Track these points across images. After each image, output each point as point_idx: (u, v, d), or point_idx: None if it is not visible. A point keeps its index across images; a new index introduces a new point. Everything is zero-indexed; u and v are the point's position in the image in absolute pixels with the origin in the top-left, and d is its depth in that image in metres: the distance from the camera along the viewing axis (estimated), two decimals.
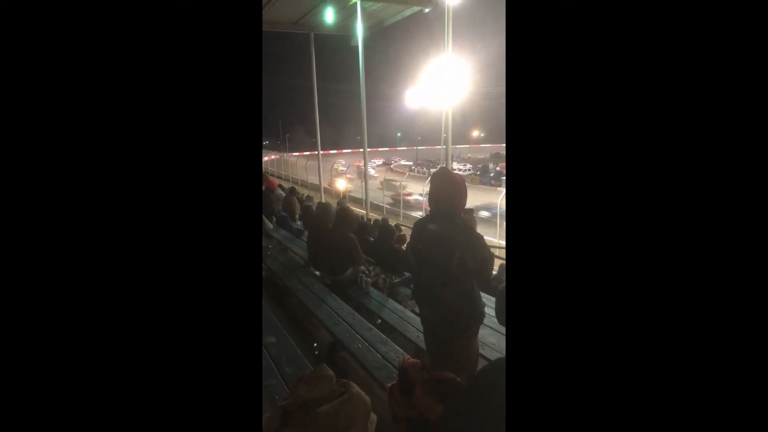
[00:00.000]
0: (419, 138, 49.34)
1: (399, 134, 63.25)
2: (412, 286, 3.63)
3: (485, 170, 29.09)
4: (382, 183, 19.27)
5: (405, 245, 4.52)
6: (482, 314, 1.97)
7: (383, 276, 3.76)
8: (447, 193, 1.88)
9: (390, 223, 5.27)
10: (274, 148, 46.71)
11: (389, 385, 1.38)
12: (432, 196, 1.93)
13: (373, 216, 8.81)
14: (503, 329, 2.63)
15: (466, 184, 1.97)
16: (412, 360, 1.48)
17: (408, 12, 8.01)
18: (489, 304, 2.34)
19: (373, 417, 1.20)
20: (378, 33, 9.19)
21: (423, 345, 2.51)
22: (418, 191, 16.14)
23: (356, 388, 1.19)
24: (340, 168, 23.51)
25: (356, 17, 7.80)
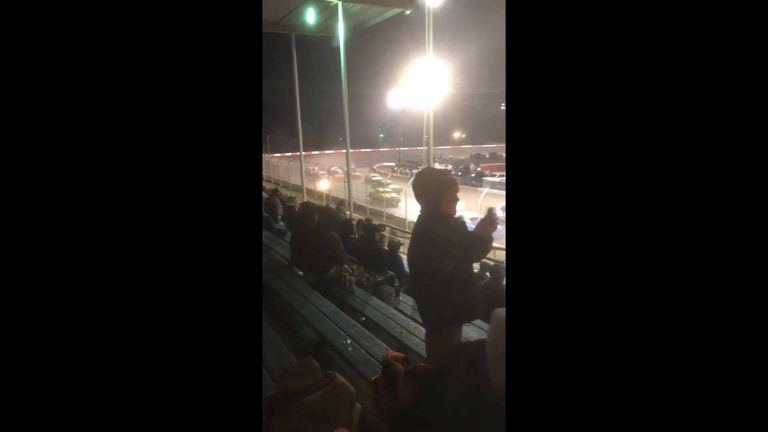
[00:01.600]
0: (401, 139, 49.45)
1: (382, 135, 63.31)
2: (396, 283, 3.68)
3: (466, 171, 29.42)
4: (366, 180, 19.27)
5: (387, 244, 4.56)
6: (472, 310, 1.98)
7: (366, 275, 3.79)
8: (431, 190, 1.93)
9: (373, 222, 5.30)
10: None
11: (373, 378, 1.41)
12: (418, 196, 1.98)
13: (357, 216, 8.82)
14: (485, 325, 2.69)
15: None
16: (394, 354, 1.52)
17: (389, 13, 8.05)
18: None
19: (358, 406, 1.23)
20: (360, 34, 9.22)
21: (406, 341, 2.56)
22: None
23: (341, 378, 1.22)
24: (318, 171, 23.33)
25: (337, 18, 7.81)
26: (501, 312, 0.81)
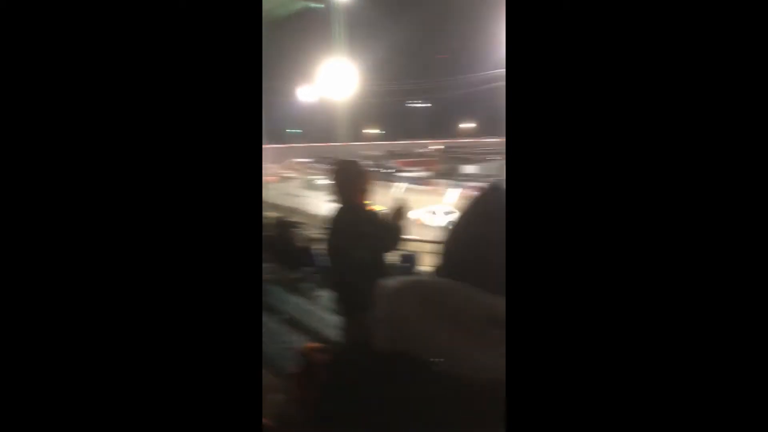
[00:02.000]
0: (316, 135, 48.85)
1: (294, 131, 61.93)
2: (314, 278, 3.70)
3: (381, 166, 30.06)
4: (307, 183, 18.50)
5: (301, 240, 4.55)
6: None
7: (282, 272, 3.76)
8: (346, 182, 1.98)
9: (286, 219, 5.24)
10: None
11: (292, 370, 1.44)
12: (336, 189, 2.01)
13: (272, 215, 8.61)
14: None
15: None
16: (312, 345, 1.55)
17: (299, 6, 7.96)
18: None
19: (278, 397, 1.25)
20: (271, 28, 8.97)
21: (325, 332, 2.60)
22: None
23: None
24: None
25: None
26: (383, 282, 0.84)
